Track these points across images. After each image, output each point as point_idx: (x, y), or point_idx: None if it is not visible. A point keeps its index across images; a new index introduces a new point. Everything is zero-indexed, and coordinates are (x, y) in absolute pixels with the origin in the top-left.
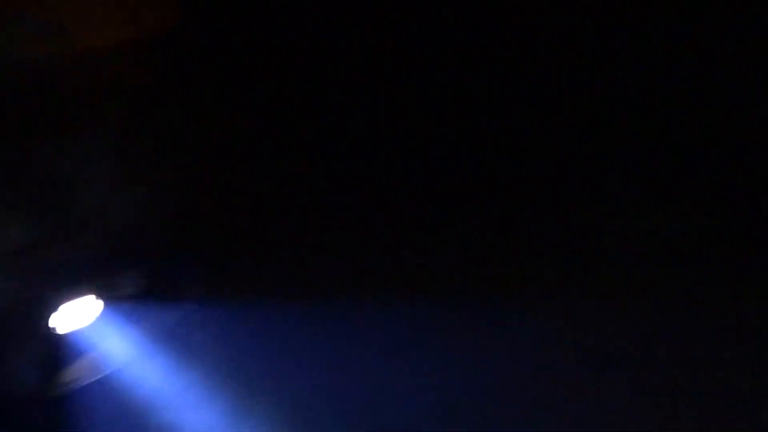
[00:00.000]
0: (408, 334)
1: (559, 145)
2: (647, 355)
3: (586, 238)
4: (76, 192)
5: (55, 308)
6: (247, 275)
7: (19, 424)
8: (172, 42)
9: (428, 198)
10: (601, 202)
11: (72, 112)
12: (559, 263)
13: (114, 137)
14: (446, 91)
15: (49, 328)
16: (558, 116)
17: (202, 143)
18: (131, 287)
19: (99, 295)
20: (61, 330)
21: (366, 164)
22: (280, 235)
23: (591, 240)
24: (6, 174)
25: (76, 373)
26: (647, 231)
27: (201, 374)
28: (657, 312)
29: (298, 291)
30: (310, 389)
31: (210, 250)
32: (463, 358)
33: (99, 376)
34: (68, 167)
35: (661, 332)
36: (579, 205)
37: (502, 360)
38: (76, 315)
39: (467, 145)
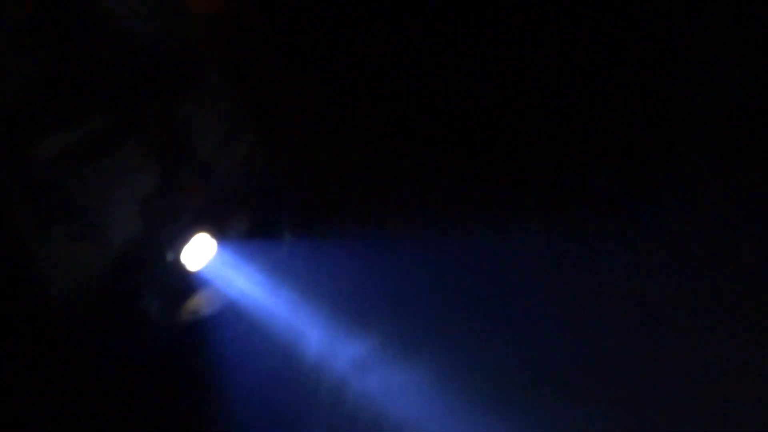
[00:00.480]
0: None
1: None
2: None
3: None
4: (192, 144)
5: (178, 247)
6: (346, 210)
7: (149, 352)
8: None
9: None
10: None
11: (187, 73)
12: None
13: (219, 96)
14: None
15: (173, 264)
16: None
17: (291, 99)
18: (241, 227)
19: (214, 235)
20: (184, 266)
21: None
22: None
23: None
24: (137, 129)
25: (200, 305)
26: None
27: (311, 301)
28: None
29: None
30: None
31: (307, 190)
32: None
33: (220, 308)
34: (183, 122)
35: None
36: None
37: None
38: (196, 253)
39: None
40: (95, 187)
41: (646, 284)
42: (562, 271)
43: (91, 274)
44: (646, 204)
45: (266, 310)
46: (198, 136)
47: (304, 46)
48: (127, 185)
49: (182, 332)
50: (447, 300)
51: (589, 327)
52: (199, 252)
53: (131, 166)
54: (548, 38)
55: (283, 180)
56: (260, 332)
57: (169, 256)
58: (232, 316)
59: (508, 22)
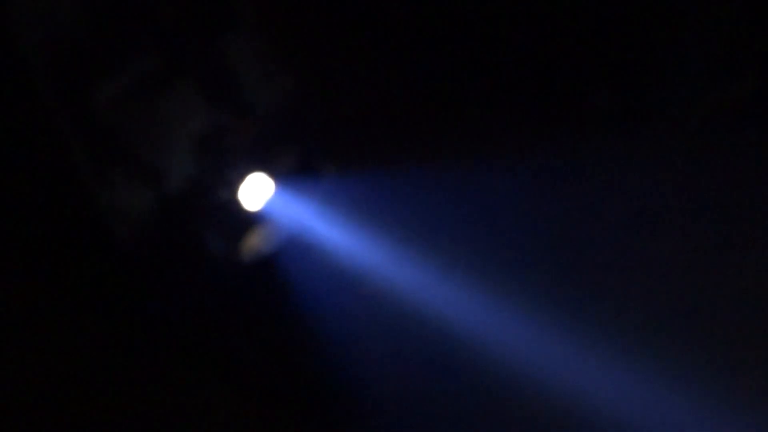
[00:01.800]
0: None
1: None
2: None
3: None
4: (237, 81)
5: (234, 186)
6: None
7: (214, 292)
8: None
9: None
10: None
11: (225, 8)
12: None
13: (258, 30)
14: None
15: (231, 203)
16: None
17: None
18: (290, 163)
19: (267, 173)
20: (241, 205)
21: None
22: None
23: None
24: (186, 68)
25: (261, 243)
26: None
27: (370, 231)
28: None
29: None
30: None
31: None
32: None
33: (282, 244)
34: (227, 60)
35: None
36: None
37: None
38: (252, 191)
39: None
40: (150, 128)
41: (646, 198)
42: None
43: (151, 215)
44: (642, 119)
45: (328, 242)
46: (242, 73)
47: None
48: (180, 125)
49: (246, 270)
50: (496, 223)
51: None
52: (254, 190)
53: (183, 106)
54: None
55: (326, 113)
56: (324, 265)
57: (227, 195)
58: (294, 251)
59: None
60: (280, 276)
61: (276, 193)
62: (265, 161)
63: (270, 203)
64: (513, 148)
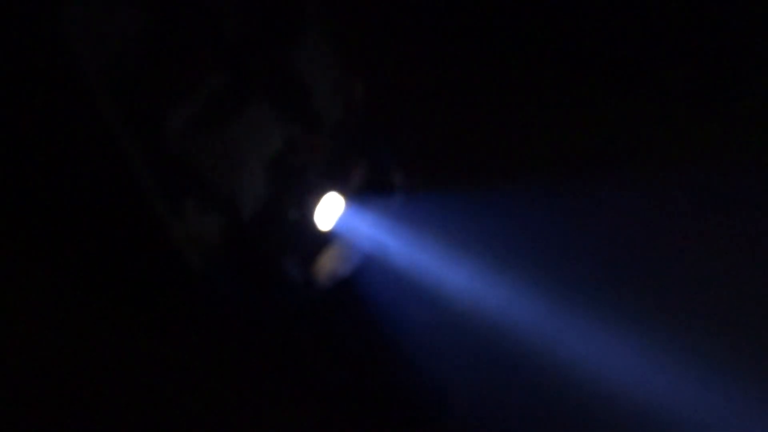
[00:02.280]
0: None
1: None
2: None
3: None
4: (306, 97)
5: (309, 207)
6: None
7: (294, 315)
8: None
9: None
10: None
11: (291, 21)
12: None
13: (325, 44)
14: None
15: (306, 225)
16: None
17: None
18: (362, 180)
19: (340, 191)
20: (316, 226)
21: None
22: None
23: None
24: (254, 87)
25: (338, 263)
26: None
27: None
28: None
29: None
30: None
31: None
32: None
33: (359, 264)
34: (295, 76)
35: None
36: None
37: None
38: (326, 211)
39: None
40: (223, 152)
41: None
42: None
43: (226, 243)
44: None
45: (405, 260)
46: (311, 86)
47: None
48: (253, 147)
49: (325, 292)
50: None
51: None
52: (329, 210)
53: (255, 126)
54: None
55: (395, 129)
56: (403, 283)
57: (301, 217)
58: (370, 270)
59: None
60: (358, 295)
61: (348, 211)
62: (337, 178)
63: (343, 222)
64: (592, 165)
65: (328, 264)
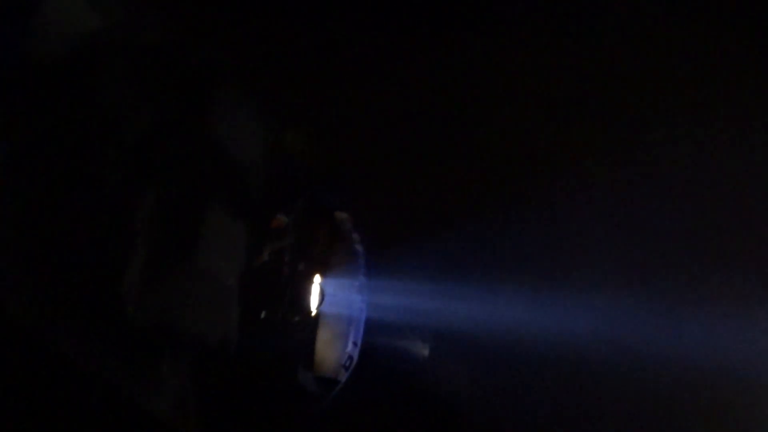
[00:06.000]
0: None
1: None
2: None
3: None
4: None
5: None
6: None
7: (304, 418)
8: None
9: None
10: None
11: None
12: None
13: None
14: None
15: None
16: None
17: None
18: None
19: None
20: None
21: None
22: None
23: None
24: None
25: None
26: None
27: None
28: None
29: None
30: None
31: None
32: None
33: (364, 352)
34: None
35: None
36: None
37: None
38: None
39: None
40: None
41: None
42: None
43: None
44: None
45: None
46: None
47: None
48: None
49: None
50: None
51: None
52: (319, 297)
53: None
54: None
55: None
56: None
57: (299, 324)
58: (377, 357)
59: None
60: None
61: (328, 288)
62: (321, 265)
63: (333, 305)
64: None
65: (337, 356)
